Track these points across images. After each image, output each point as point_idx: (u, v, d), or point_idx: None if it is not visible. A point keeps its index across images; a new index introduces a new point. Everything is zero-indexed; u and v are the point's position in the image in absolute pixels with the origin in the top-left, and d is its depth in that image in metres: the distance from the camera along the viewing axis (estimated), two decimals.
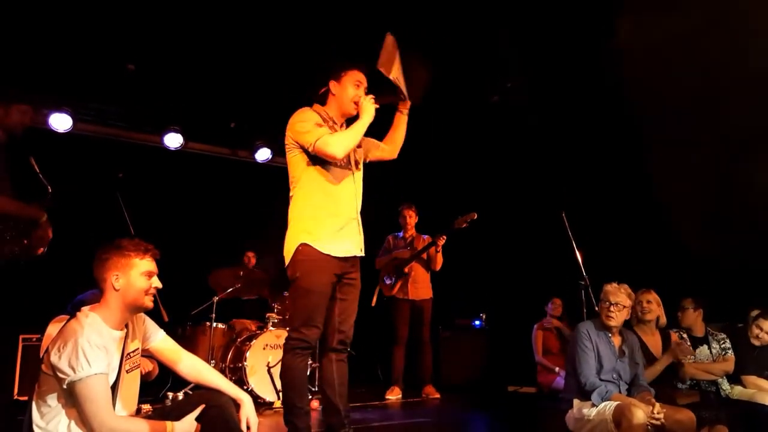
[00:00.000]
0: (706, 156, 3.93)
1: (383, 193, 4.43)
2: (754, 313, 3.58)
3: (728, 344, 3.48)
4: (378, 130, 2.78)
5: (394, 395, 4.69)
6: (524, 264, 5.58)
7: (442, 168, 5.92)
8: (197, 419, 1.98)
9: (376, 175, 2.94)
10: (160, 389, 3.91)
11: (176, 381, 3.64)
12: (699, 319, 3.50)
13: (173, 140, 5.19)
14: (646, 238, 4.70)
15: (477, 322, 5.68)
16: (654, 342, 3.19)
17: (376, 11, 3.86)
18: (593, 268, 3.84)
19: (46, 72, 4.24)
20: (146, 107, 5.10)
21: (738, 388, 3.43)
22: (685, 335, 3.43)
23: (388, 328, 4.88)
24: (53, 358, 1.84)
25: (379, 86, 2.66)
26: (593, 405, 2.70)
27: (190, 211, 5.32)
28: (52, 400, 1.88)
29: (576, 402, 2.81)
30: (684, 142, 3.96)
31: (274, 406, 3.98)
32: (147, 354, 2.24)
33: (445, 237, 4.69)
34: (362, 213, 2.69)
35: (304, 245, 2.46)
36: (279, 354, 3.62)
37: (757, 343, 3.50)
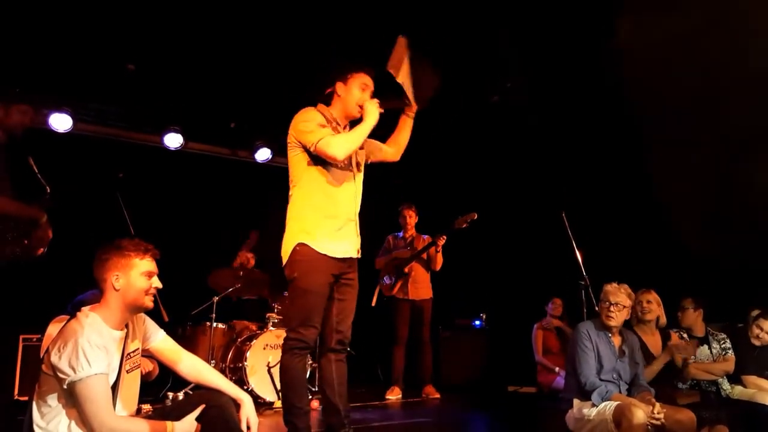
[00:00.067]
0: (706, 156, 3.93)
1: (383, 193, 4.43)
2: (755, 313, 3.58)
3: (728, 344, 3.49)
4: (384, 132, 2.77)
5: (394, 395, 4.69)
6: (524, 264, 5.58)
7: (442, 168, 5.92)
8: (197, 419, 1.98)
9: (376, 175, 2.94)
10: (160, 389, 3.91)
11: (176, 381, 3.64)
12: (699, 319, 3.50)
13: (173, 140, 5.19)
14: (646, 238, 4.71)
15: (477, 322, 5.68)
16: (654, 342, 3.19)
17: (376, 11, 3.86)
18: (593, 268, 3.84)
19: (46, 72, 4.24)
20: (146, 107, 5.10)
21: (738, 388, 3.43)
22: (685, 335, 3.43)
23: (388, 328, 4.88)
24: (53, 358, 1.84)
25: (385, 90, 2.66)
26: (593, 405, 2.70)
27: (190, 211, 5.31)
28: (53, 400, 1.88)
29: (576, 402, 2.81)
30: (684, 142, 3.96)
31: (274, 406, 3.98)
32: (147, 354, 2.24)
33: (445, 237, 4.69)
34: (362, 213, 2.69)
35: (301, 245, 2.46)
36: (279, 354, 3.62)
37: (757, 343, 3.50)
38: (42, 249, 2.97)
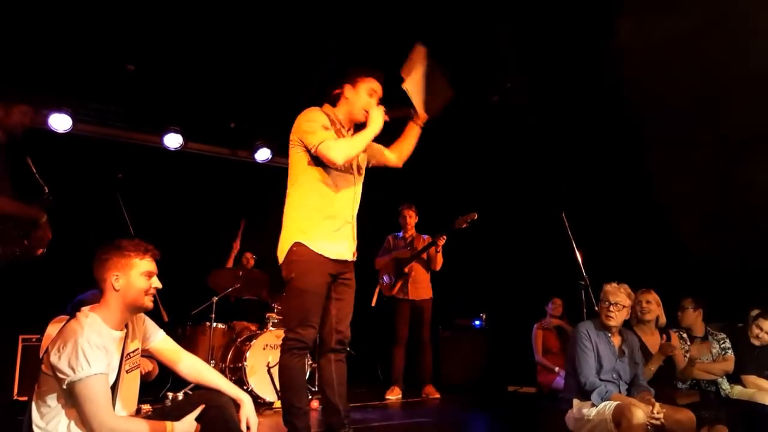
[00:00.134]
0: (706, 156, 3.93)
1: (383, 193, 4.43)
2: (754, 312, 3.58)
3: (728, 344, 3.49)
4: (392, 138, 2.76)
5: (394, 395, 4.69)
6: (524, 264, 5.58)
7: (442, 168, 5.92)
8: (197, 419, 1.98)
9: (376, 174, 2.94)
10: (160, 389, 3.91)
11: (176, 381, 3.64)
12: (699, 319, 3.50)
13: (173, 140, 5.19)
14: (646, 238, 4.71)
15: (477, 322, 5.68)
16: (654, 342, 3.19)
17: (377, 11, 3.86)
18: (593, 268, 3.84)
19: (46, 72, 4.24)
20: (146, 107, 5.10)
21: (738, 388, 3.43)
22: (685, 335, 3.43)
23: (388, 328, 4.88)
24: (53, 358, 1.84)
25: (393, 98, 2.64)
26: (593, 405, 2.70)
27: (190, 211, 5.31)
28: (52, 400, 1.88)
29: (576, 402, 2.81)
30: (684, 142, 3.96)
31: (274, 406, 3.98)
32: (147, 354, 2.24)
33: (445, 237, 4.69)
34: (362, 213, 2.69)
35: (298, 245, 2.46)
36: (279, 354, 3.62)
37: (757, 342, 3.50)
38: (42, 249, 2.97)
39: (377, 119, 2.52)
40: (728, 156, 3.91)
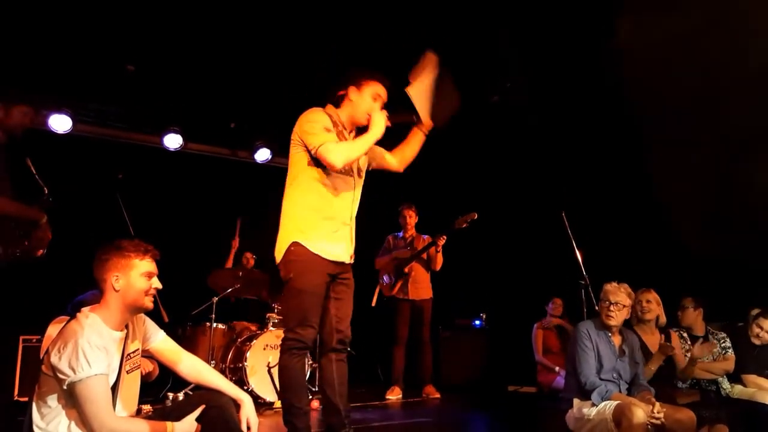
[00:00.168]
0: (706, 156, 3.93)
1: (383, 193, 4.43)
2: (755, 312, 3.58)
3: (728, 343, 3.49)
4: (395, 142, 2.76)
5: (394, 395, 4.70)
6: (524, 264, 5.58)
7: (442, 168, 5.92)
8: (197, 420, 1.98)
9: (376, 175, 2.94)
10: (160, 390, 3.91)
11: (176, 381, 3.64)
12: (699, 318, 3.50)
13: (173, 141, 5.19)
14: (646, 238, 4.71)
15: (477, 322, 5.68)
16: (654, 341, 3.19)
17: (377, 11, 3.86)
18: (593, 268, 3.85)
19: (46, 72, 4.24)
20: (146, 108, 5.10)
21: (738, 387, 3.44)
22: (685, 334, 3.43)
23: (388, 328, 4.88)
24: (53, 359, 1.84)
25: (398, 104, 2.63)
26: (593, 404, 2.70)
27: (189, 211, 5.31)
28: (53, 400, 1.88)
29: (576, 401, 2.81)
30: (684, 142, 3.96)
31: (274, 407, 3.98)
32: (147, 354, 2.24)
33: (445, 237, 4.69)
34: (362, 213, 2.69)
35: (296, 244, 2.45)
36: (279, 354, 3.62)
37: (757, 342, 3.50)
38: (42, 250, 2.98)
39: (379, 124, 2.51)
40: (728, 156, 3.91)
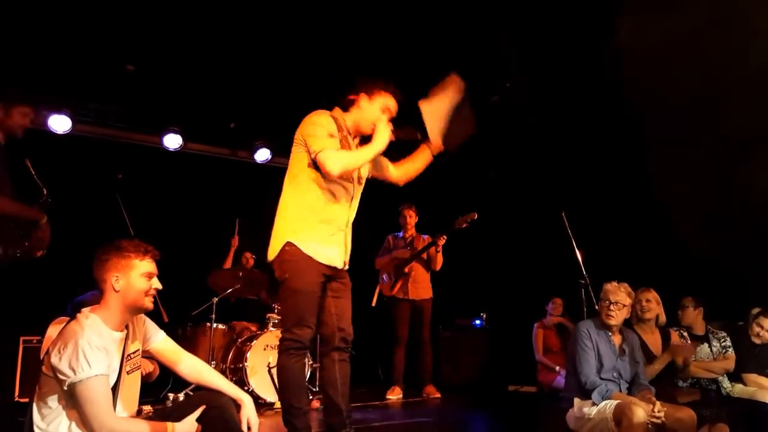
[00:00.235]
0: (706, 156, 3.93)
1: (383, 194, 4.43)
2: (755, 311, 3.59)
3: (729, 342, 3.49)
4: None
5: (394, 395, 4.69)
6: (524, 264, 5.58)
7: (442, 168, 5.92)
8: (198, 420, 1.98)
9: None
10: (160, 390, 3.91)
11: (177, 382, 3.64)
12: (699, 318, 3.51)
13: (172, 141, 5.18)
14: (646, 238, 4.71)
15: (477, 322, 5.68)
16: (654, 341, 3.19)
17: (377, 11, 3.86)
18: (593, 268, 3.85)
19: (46, 73, 4.23)
20: (146, 108, 5.09)
21: (739, 386, 3.44)
22: (685, 333, 3.43)
23: (388, 328, 4.88)
24: (53, 359, 1.84)
25: (407, 120, 2.62)
26: (594, 404, 2.70)
27: (189, 211, 5.31)
28: (53, 401, 1.88)
29: (576, 401, 2.81)
30: (684, 142, 3.97)
31: (274, 407, 3.98)
32: (147, 355, 2.24)
33: (445, 237, 4.69)
34: (363, 213, 2.68)
35: (290, 244, 2.44)
36: None
37: (757, 341, 3.51)
38: (42, 250, 2.98)
39: (383, 137, 2.49)
40: (728, 156, 3.92)
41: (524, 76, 4.67)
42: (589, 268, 3.85)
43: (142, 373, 2.31)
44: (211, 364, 4.01)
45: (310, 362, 4.31)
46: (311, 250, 2.44)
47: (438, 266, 4.86)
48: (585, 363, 2.78)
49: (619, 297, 2.84)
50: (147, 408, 2.59)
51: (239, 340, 4.40)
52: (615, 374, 2.82)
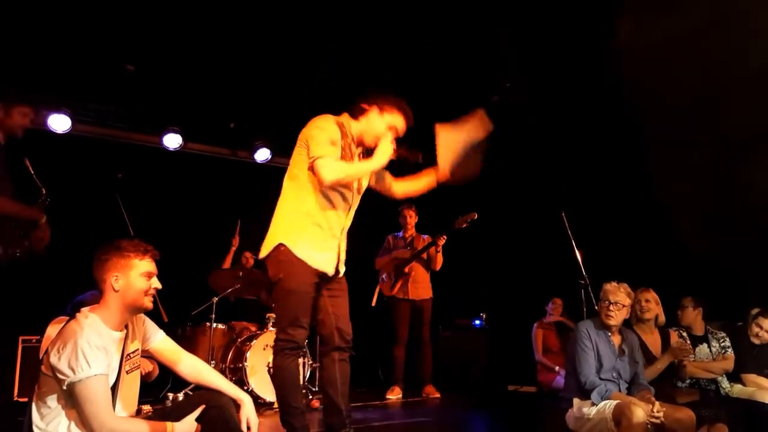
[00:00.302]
0: (706, 156, 3.93)
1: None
2: (754, 311, 3.59)
3: (728, 343, 3.49)
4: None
5: (394, 395, 4.70)
6: (524, 264, 5.58)
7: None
8: (197, 420, 1.98)
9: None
10: (160, 390, 3.91)
11: (176, 382, 3.64)
12: (699, 318, 3.51)
13: (172, 141, 5.18)
14: (646, 238, 4.71)
15: (477, 322, 5.68)
16: (653, 341, 3.19)
17: (377, 11, 3.86)
18: (593, 268, 3.85)
19: (46, 72, 4.23)
20: (145, 108, 5.09)
21: (738, 387, 3.44)
22: (684, 334, 3.43)
23: (388, 328, 4.88)
24: (53, 359, 1.84)
25: (414, 140, 2.60)
26: (593, 404, 2.70)
27: (189, 211, 5.31)
28: (52, 401, 1.88)
29: (576, 401, 2.81)
30: (684, 142, 3.97)
31: (274, 406, 3.98)
32: (147, 355, 2.24)
33: (445, 237, 4.69)
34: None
35: (283, 246, 2.43)
36: None
37: (756, 341, 3.51)
38: (41, 250, 2.98)
39: (384, 154, 2.49)
40: (728, 156, 3.92)
41: (524, 76, 4.67)
42: (588, 268, 3.85)
43: (141, 373, 2.31)
44: (210, 364, 4.01)
45: (310, 362, 4.31)
46: (303, 254, 2.43)
47: (438, 266, 4.86)
48: (584, 363, 2.78)
49: (618, 297, 2.84)
50: (146, 408, 2.60)
51: (239, 339, 4.40)
52: (614, 374, 2.82)
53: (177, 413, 1.99)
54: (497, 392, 5.28)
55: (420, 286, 4.87)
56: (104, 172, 4.75)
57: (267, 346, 4.23)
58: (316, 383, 4.29)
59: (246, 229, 5.38)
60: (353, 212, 2.63)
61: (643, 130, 4.24)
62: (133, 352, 2.09)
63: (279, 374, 2.46)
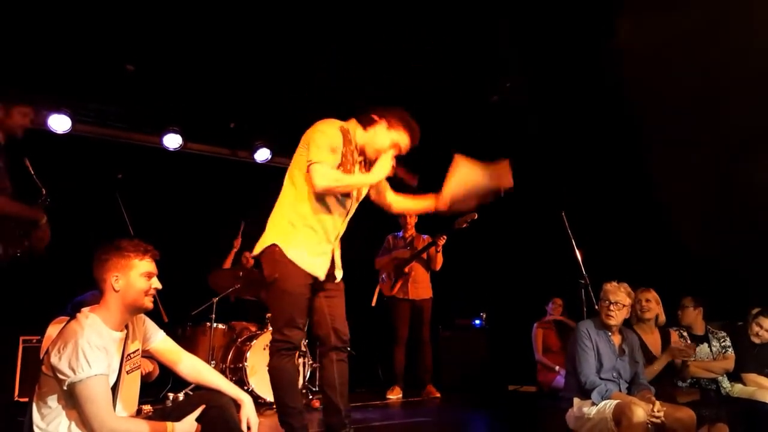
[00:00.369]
0: (706, 156, 3.93)
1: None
2: (755, 311, 3.59)
3: (728, 342, 3.49)
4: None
5: (394, 395, 4.70)
6: (524, 264, 5.58)
7: (442, 168, 5.92)
8: (198, 420, 1.98)
9: None
10: (160, 390, 3.91)
11: (177, 382, 3.64)
12: (699, 318, 3.51)
13: (172, 141, 5.18)
14: (646, 238, 4.71)
15: (477, 322, 5.68)
16: (653, 340, 3.19)
17: (377, 11, 3.86)
18: (593, 268, 3.85)
19: (46, 73, 4.23)
20: (145, 108, 5.09)
21: (738, 386, 3.44)
22: (685, 333, 3.43)
23: (388, 328, 4.88)
24: (53, 359, 1.84)
25: (413, 162, 2.59)
26: (593, 404, 2.70)
27: (189, 211, 5.31)
28: (53, 401, 1.88)
29: (576, 401, 2.81)
30: (684, 142, 3.97)
31: (274, 406, 3.98)
32: (147, 355, 2.24)
33: (445, 237, 4.69)
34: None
35: (276, 247, 2.43)
36: None
37: (757, 341, 3.51)
38: (42, 250, 2.98)
39: (382, 170, 2.50)
40: (728, 156, 3.92)
41: (524, 76, 4.67)
42: (589, 268, 3.85)
43: (141, 373, 2.31)
44: (210, 364, 4.01)
45: (311, 362, 4.31)
46: (294, 256, 2.43)
47: (438, 266, 4.86)
48: (585, 363, 2.78)
49: (618, 297, 2.84)
50: (147, 408, 2.60)
51: (239, 339, 4.40)
52: (614, 374, 2.82)
53: (177, 413, 1.99)
54: (497, 392, 5.28)
55: (420, 286, 4.87)
56: (104, 172, 4.75)
57: (267, 346, 4.21)
58: (317, 383, 4.29)
59: (246, 229, 5.38)
60: (350, 217, 2.63)
61: (643, 130, 4.24)
62: (134, 352, 2.09)
63: (276, 375, 2.46)
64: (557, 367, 5.01)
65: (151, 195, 5.04)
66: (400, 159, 2.58)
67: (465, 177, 2.61)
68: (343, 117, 2.63)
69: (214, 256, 5.22)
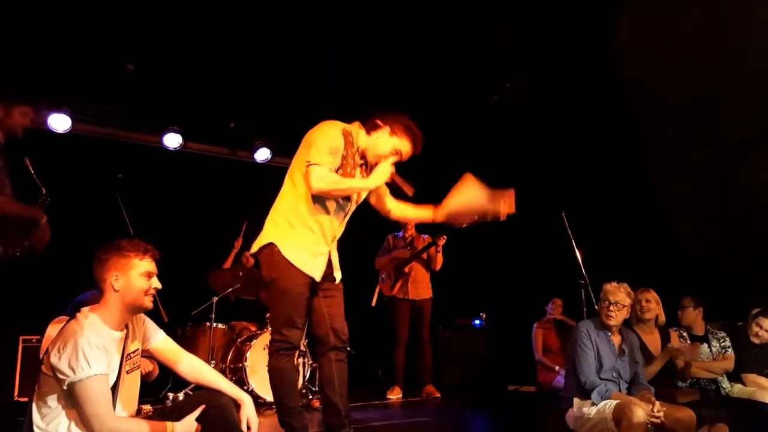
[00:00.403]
0: (706, 156, 3.93)
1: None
2: (755, 311, 3.59)
3: (728, 342, 3.49)
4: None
5: (394, 395, 4.70)
6: (524, 264, 5.58)
7: (442, 168, 5.92)
8: (197, 420, 1.98)
9: None
10: (160, 390, 3.90)
11: (176, 381, 3.64)
12: (699, 318, 3.51)
13: (172, 140, 5.18)
14: (646, 238, 4.71)
15: (477, 322, 5.68)
16: (653, 341, 3.19)
17: (376, 11, 3.86)
18: (593, 268, 3.85)
19: (46, 72, 4.23)
20: (145, 107, 5.09)
21: (738, 386, 3.44)
22: (685, 334, 3.43)
23: (388, 328, 4.88)
24: (53, 359, 1.84)
25: (416, 162, 2.58)
26: (593, 404, 2.71)
27: (189, 211, 5.31)
28: (53, 401, 1.88)
29: (576, 401, 2.81)
30: (684, 142, 3.97)
31: (274, 406, 3.98)
32: (147, 354, 2.24)
33: (445, 237, 4.70)
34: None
35: (274, 246, 2.43)
36: None
37: (756, 341, 3.51)
38: (42, 250, 2.97)
39: (380, 176, 2.50)
40: (728, 156, 3.92)
41: (524, 76, 4.67)
42: (588, 268, 3.85)
43: (141, 373, 2.32)
44: (210, 364, 4.01)
45: (311, 362, 4.31)
46: (291, 256, 2.43)
47: (438, 266, 4.86)
48: (584, 363, 2.78)
49: (618, 297, 2.84)
50: (147, 407, 2.60)
51: (239, 339, 4.40)
52: (614, 374, 2.82)
53: (177, 413, 1.99)
54: (497, 392, 5.28)
55: (420, 286, 4.87)
56: (104, 172, 4.75)
57: (267, 345, 4.22)
58: (316, 383, 4.28)
59: (246, 229, 5.38)
60: (347, 219, 2.62)
61: (643, 130, 4.24)
62: (134, 352, 2.09)
63: (275, 375, 2.46)
64: (557, 367, 5.01)
65: (151, 195, 5.04)
66: (399, 166, 2.58)
67: (470, 196, 2.61)
68: (343, 117, 2.63)
69: (214, 256, 5.21)
